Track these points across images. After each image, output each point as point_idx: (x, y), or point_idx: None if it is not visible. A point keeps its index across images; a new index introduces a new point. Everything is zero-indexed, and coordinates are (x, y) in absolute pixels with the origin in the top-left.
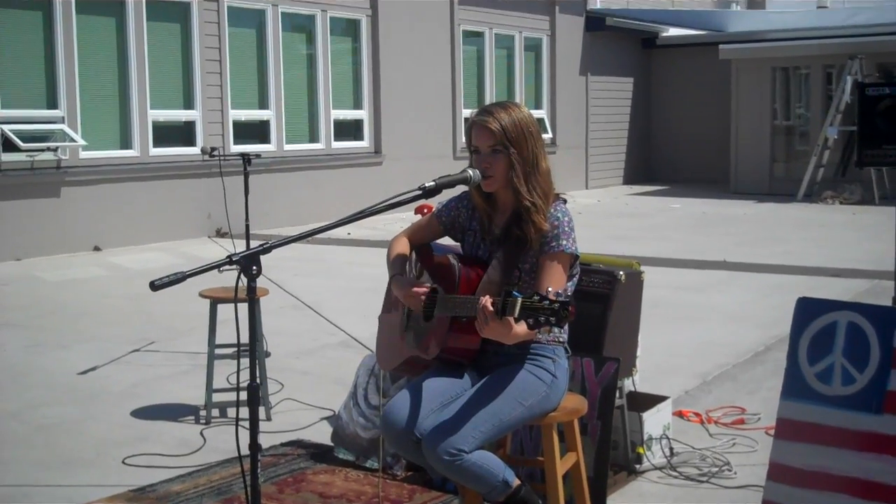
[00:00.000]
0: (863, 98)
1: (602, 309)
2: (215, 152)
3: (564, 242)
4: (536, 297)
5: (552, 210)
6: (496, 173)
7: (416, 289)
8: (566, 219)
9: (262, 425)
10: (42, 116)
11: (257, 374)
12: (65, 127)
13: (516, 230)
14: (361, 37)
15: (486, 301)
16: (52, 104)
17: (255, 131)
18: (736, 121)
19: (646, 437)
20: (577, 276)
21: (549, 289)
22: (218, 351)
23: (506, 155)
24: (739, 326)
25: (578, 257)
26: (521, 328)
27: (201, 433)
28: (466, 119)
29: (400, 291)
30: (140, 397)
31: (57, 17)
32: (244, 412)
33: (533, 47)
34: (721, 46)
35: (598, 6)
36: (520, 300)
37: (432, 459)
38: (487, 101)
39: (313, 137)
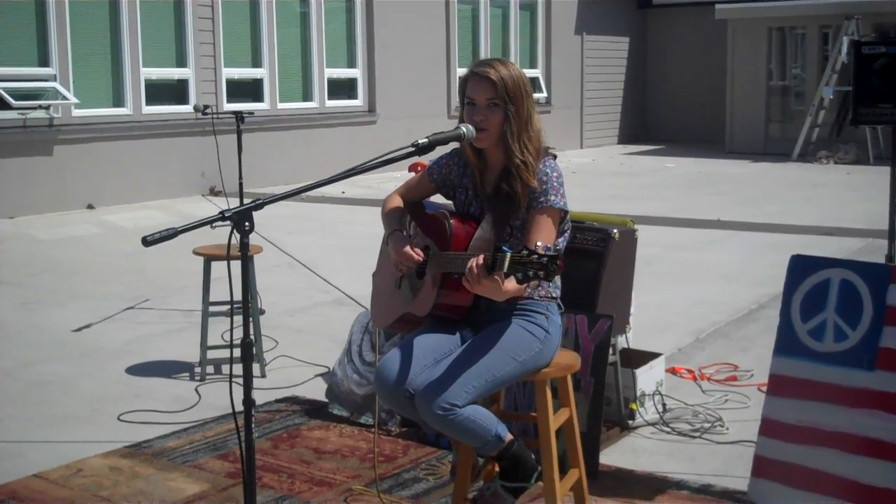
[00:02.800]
0: (858, 56)
1: (596, 266)
2: (208, 110)
3: (553, 198)
4: (525, 252)
5: (541, 166)
6: (490, 127)
7: (409, 250)
8: (555, 174)
9: (257, 382)
10: (34, 74)
11: (251, 331)
12: (57, 85)
13: (506, 187)
14: None
15: (478, 259)
16: (44, 62)
17: (249, 89)
18: (731, 81)
19: (639, 393)
20: (568, 231)
21: (539, 243)
22: (212, 308)
23: (502, 109)
24: (733, 284)
25: (568, 212)
26: (511, 284)
27: (196, 390)
28: (461, 78)
29: (395, 248)
30: (134, 354)
31: None
32: (238, 369)
33: (528, 6)
34: (717, 6)
35: None
36: (509, 255)
37: (426, 414)
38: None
39: (307, 96)
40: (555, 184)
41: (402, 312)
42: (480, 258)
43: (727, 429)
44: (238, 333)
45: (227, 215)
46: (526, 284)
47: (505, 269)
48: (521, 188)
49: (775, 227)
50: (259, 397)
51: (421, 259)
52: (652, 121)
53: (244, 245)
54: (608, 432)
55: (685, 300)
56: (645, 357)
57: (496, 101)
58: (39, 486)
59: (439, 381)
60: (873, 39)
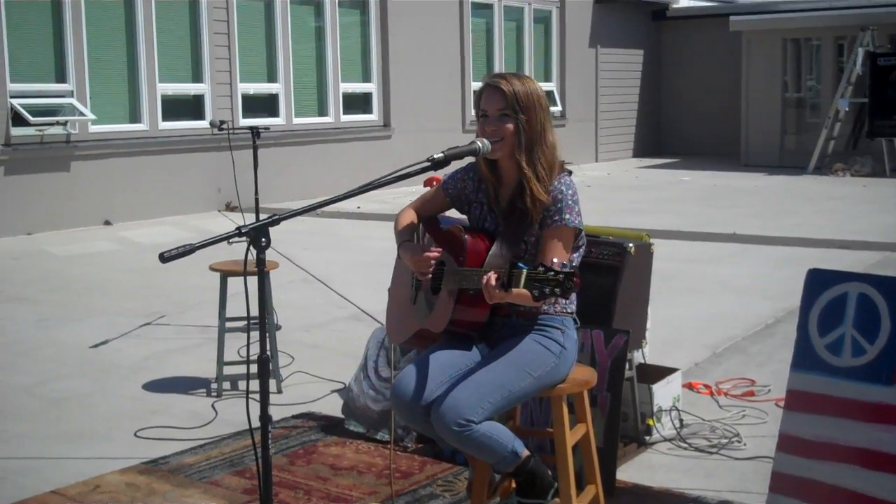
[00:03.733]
0: (874, 68)
1: (612, 281)
2: (224, 126)
3: (567, 216)
4: (541, 269)
5: (556, 183)
6: (502, 137)
7: (426, 253)
8: (570, 192)
9: (273, 398)
10: (51, 90)
11: (267, 347)
12: (74, 101)
13: (520, 203)
14: (370, 9)
15: (491, 276)
16: (61, 78)
17: (264, 105)
18: (746, 93)
19: (655, 408)
20: (582, 248)
21: (555, 260)
22: (228, 324)
23: (514, 120)
24: (749, 299)
25: (582, 231)
26: (525, 294)
27: (213, 406)
28: (475, 91)
29: (408, 256)
30: (151, 370)
31: None
32: (255, 385)
33: (542, 19)
34: (732, 18)
35: None
36: (525, 272)
37: (442, 430)
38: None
39: (322, 111)
40: (570, 202)
41: (417, 328)
42: (493, 276)
43: (745, 444)
44: (254, 349)
45: (243, 231)
46: (542, 301)
47: (521, 287)
48: (531, 203)
49: (792, 240)
50: (275, 413)
51: (437, 255)
52: (667, 134)
53: (261, 261)
54: (625, 448)
55: (701, 315)
56: (661, 372)
57: (506, 111)
58: (57, 502)
59: (455, 398)
60: (889, 51)
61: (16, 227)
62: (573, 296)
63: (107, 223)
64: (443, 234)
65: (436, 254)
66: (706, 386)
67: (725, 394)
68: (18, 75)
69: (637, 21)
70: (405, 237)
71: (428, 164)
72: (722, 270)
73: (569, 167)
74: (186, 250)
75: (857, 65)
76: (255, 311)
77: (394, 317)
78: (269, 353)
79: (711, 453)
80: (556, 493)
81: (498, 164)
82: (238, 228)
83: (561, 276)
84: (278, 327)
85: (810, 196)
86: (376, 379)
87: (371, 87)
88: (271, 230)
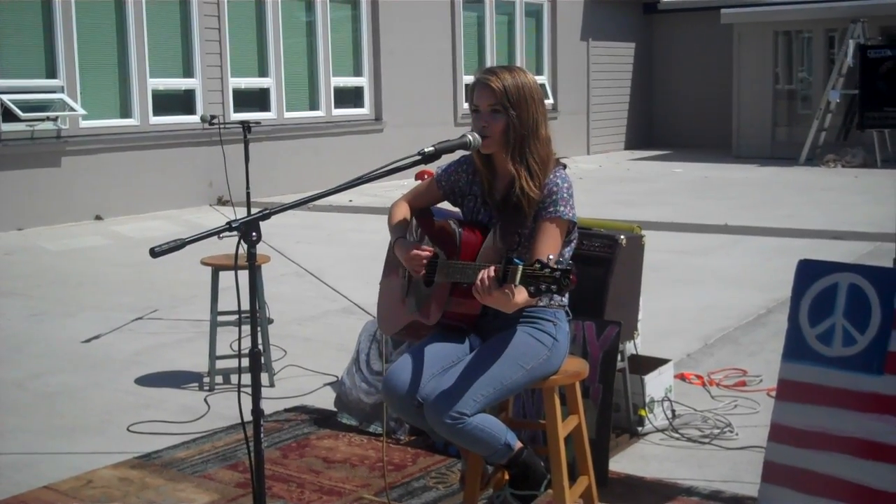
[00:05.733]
0: (864, 60)
1: (603, 273)
2: (215, 120)
3: (562, 209)
4: (538, 265)
5: (551, 176)
6: (493, 133)
7: (417, 251)
8: (565, 185)
9: (266, 392)
10: (41, 86)
11: (259, 341)
12: (64, 96)
13: (514, 196)
14: (361, 3)
15: (488, 269)
16: (52, 73)
17: (256, 99)
18: (738, 85)
19: (648, 399)
20: (574, 241)
21: (550, 256)
22: (220, 318)
23: (504, 116)
24: (741, 289)
25: (576, 224)
26: (521, 296)
27: (205, 400)
28: (467, 85)
29: (402, 253)
30: (143, 365)
31: None
32: (247, 379)
33: (533, 13)
34: (723, 11)
35: None
36: (521, 268)
37: (434, 423)
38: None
39: (314, 105)
40: (565, 195)
41: (409, 320)
42: (492, 270)
43: (737, 434)
44: (246, 343)
45: (234, 226)
46: (537, 297)
47: (517, 283)
48: (524, 197)
49: (783, 231)
50: (268, 407)
51: (430, 254)
52: (658, 126)
53: (251, 255)
54: (617, 439)
55: (693, 305)
56: (653, 363)
57: (497, 107)
58: (50, 497)
59: (448, 391)
60: (879, 43)
61: (7, 222)
62: None
63: (98, 218)
64: (436, 228)
65: (428, 252)
66: (698, 376)
67: (717, 384)
68: (9, 71)
69: (628, 14)
70: (399, 233)
71: (419, 157)
72: (714, 261)
73: (563, 161)
74: (177, 245)
75: (849, 57)
76: (246, 305)
77: (385, 308)
78: (260, 346)
79: (703, 443)
80: (548, 485)
81: (492, 156)
82: (229, 223)
83: (557, 272)
84: (270, 321)
85: (801, 187)
86: (368, 372)
87: (362, 81)
88: (263, 224)
